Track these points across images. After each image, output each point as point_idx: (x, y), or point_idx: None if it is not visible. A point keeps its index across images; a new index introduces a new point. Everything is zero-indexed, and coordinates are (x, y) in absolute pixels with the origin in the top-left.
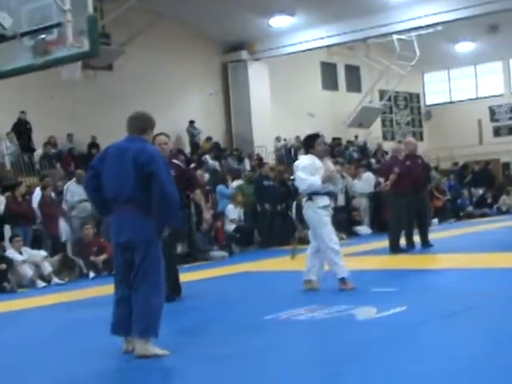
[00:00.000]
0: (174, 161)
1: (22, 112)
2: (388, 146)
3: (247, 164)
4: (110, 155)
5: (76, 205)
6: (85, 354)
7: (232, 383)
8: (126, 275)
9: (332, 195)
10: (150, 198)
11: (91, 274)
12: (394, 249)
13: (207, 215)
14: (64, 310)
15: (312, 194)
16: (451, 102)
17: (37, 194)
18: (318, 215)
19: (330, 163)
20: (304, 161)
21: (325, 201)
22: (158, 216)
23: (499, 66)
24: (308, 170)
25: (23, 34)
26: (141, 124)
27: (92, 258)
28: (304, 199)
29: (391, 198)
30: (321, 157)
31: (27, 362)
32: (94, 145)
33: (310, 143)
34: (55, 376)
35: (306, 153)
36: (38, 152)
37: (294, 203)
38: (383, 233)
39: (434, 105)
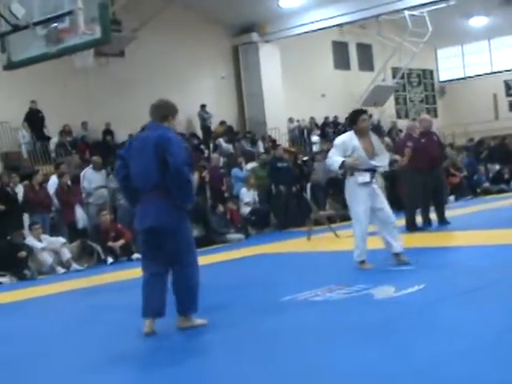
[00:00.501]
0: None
1: (33, 101)
2: (402, 124)
3: (261, 146)
4: (135, 145)
5: (93, 191)
6: (107, 338)
7: (248, 363)
8: (153, 258)
9: (373, 171)
10: None
11: (109, 260)
12: (411, 227)
13: None
14: (84, 295)
15: (353, 170)
16: (465, 78)
17: (53, 181)
18: (354, 192)
19: (374, 141)
20: (339, 138)
21: (364, 178)
22: (176, 197)
23: None
24: (339, 148)
25: (36, 24)
26: (163, 111)
27: (110, 243)
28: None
29: (407, 176)
30: (364, 134)
31: (52, 347)
32: (108, 131)
33: (353, 119)
34: (79, 360)
35: (350, 129)
36: (54, 140)
37: (309, 184)
38: (399, 211)
39: (448, 81)
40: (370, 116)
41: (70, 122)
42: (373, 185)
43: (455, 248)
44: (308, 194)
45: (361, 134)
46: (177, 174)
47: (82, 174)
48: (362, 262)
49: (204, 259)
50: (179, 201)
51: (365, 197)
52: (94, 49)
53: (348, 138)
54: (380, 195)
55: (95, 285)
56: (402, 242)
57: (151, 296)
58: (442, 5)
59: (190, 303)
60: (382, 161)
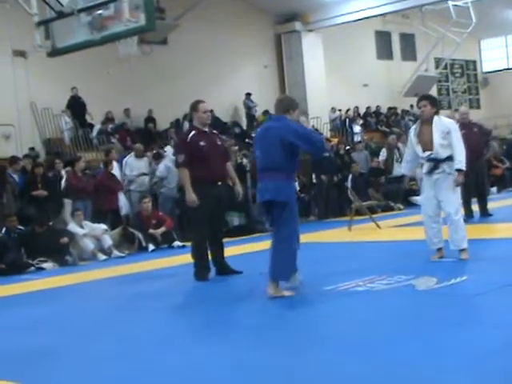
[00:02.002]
0: (214, 132)
1: (74, 88)
2: (444, 114)
3: None
4: (259, 133)
5: (134, 179)
6: (149, 324)
7: (284, 353)
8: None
9: (434, 161)
10: (292, 166)
11: (150, 247)
12: None
13: (239, 188)
14: (125, 282)
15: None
16: (509, 69)
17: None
18: (421, 181)
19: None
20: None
21: (425, 167)
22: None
23: None
24: (409, 143)
25: (80, 11)
26: (284, 105)
27: (151, 230)
28: None
29: None
30: (424, 122)
31: (92, 333)
32: (150, 119)
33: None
34: (121, 345)
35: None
36: (97, 127)
37: (351, 175)
38: None
39: (491, 72)
40: (411, 106)
41: (113, 109)
42: (436, 175)
43: (497, 240)
44: (349, 185)
45: (422, 122)
46: (318, 150)
47: (123, 162)
48: (437, 250)
49: (245, 248)
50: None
51: (426, 186)
52: (138, 36)
53: (411, 130)
54: (443, 187)
55: (136, 272)
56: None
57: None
58: None
59: (278, 269)
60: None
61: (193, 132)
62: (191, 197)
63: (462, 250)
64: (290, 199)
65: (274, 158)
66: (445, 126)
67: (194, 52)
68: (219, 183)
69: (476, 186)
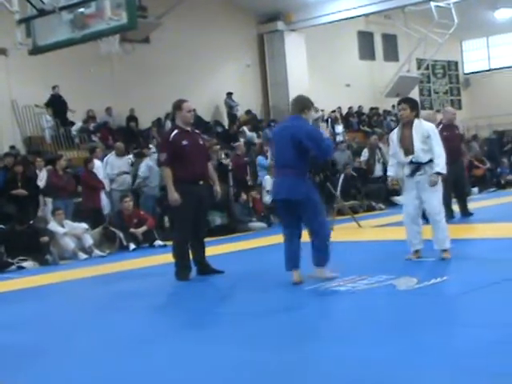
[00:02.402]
0: (197, 131)
1: (55, 86)
2: (425, 113)
3: None
4: (276, 132)
5: (115, 178)
6: (128, 324)
7: (263, 350)
8: (289, 221)
9: (415, 164)
10: (305, 165)
11: (131, 246)
12: None
13: (218, 188)
14: (106, 281)
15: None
16: (490, 70)
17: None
18: (403, 181)
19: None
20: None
21: (407, 169)
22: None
23: None
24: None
25: (62, 8)
26: (299, 105)
27: (132, 230)
28: None
29: None
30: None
31: (72, 333)
32: (132, 118)
33: None
34: (99, 344)
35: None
36: (77, 126)
37: (342, 175)
38: None
39: (473, 73)
40: (393, 106)
41: (94, 107)
42: (418, 177)
43: (478, 240)
44: (339, 185)
45: (403, 126)
46: (323, 155)
47: (104, 160)
48: (414, 251)
49: (228, 247)
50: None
51: (407, 187)
52: (119, 35)
53: (393, 133)
54: (425, 188)
55: (117, 271)
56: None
57: (290, 253)
58: None
59: (323, 254)
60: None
61: (175, 131)
62: (173, 196)
63: (445, 250)
64: (306, 195)
65: (289, 155)
66: (425, 130)
67: (176, 51)
68: (201, 182)
69: (455, 187)
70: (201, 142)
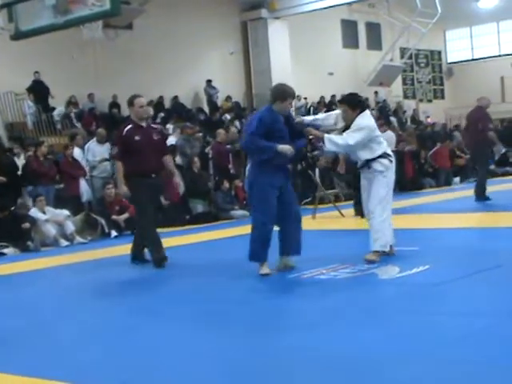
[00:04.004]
0: (154, 125)
1: (36, 72)
2: (408, 104)
3: None
4: None
5: (97, 165)
6: (109, 311)
7: (240, 337)
8: None
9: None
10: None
11: (113, 233)
12: None
13: (177, 180)
14: (87, 268)
15: None
16: (473, 60)
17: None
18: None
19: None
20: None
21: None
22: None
23: None
24: None
25: None
26: (271, 96)
27: (114, 217)
28: None
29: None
30: None
31: (59, 316)
32: (114, 104)
33: None
34: (85, 327)
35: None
36: (59, 110)
37: (317, 170)
38: (407, 192)
39: (456, 62)
40: (376, 93)
41: (77, 93)
42: (366, 173)
43: (459, 230)
44: (316, 174)
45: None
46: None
47: (86, 147)
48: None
49: (210, 235)
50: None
51: (363, 182)
52: (102, 21)
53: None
54: (370, 184)
55: (99, 258)
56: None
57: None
58: None
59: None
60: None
61: (129, 126)
62: (122, 188)
63: (372, 252)
64: (252, 180)
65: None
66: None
67: (159, 37)
68: (153, 176)
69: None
70: (155, 137)
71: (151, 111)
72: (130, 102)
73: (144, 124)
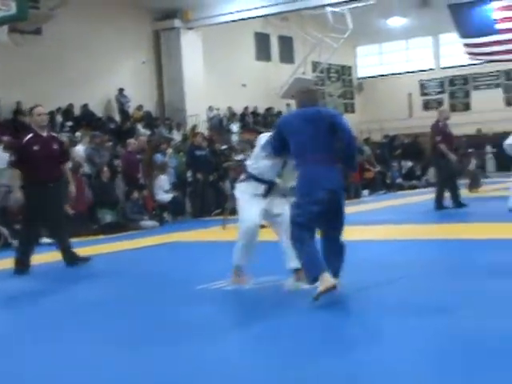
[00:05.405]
0: (54, 134)
1: None
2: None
3: (176, 134)
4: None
5: (2, 172)
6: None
7: (159, 347)
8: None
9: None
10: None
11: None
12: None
13: (72, 188)
14: None
15: None
16: (383, 75)
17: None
18: None
19: None
20: None
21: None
22: None
23: (429, 41)
24: None
25: None
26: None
27: (17, 226)
28: None
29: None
30: None
31: None
32: (19, 111)
33: None
34: None
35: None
36: None
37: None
38: None
39: (366, 78)
40: (288, 105)
41: None
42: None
43: (364, 242)
44: (227, 185)
45: None
46: None
47: None
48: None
49: (117, 245)
50: None
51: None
52: (8, 25)
53: None
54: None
55: (1, 269)
56: None
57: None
58: (362, 3)
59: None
60: None
61: (30, 135)
62: (16, 195)
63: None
64: None
65: None
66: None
67: (70, 44)
68: (50, 185)
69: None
70: (54, 147)
71: (47, 119)
72: (30, 112)
73: (45, 133)
